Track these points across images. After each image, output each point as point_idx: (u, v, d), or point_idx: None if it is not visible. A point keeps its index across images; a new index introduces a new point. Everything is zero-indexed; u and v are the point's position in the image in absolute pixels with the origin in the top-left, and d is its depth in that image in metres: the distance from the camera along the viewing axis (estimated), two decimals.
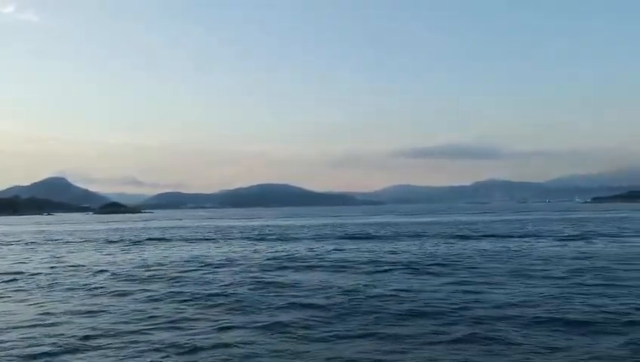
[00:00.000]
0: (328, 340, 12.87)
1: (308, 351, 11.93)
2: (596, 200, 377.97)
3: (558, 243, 39.24)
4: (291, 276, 23.79)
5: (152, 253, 37.21)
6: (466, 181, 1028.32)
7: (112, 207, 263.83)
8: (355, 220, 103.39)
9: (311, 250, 36.94)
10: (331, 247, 39.04)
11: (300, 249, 38.01)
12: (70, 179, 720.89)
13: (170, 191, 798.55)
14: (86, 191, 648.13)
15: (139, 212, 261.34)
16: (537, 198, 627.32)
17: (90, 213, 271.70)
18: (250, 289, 19.92)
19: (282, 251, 36.45)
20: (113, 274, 25.52)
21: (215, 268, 27.43)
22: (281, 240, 49.33)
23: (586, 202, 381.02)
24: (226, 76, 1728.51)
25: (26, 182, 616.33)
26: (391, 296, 18.36)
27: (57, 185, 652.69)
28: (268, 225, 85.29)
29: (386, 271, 25.09)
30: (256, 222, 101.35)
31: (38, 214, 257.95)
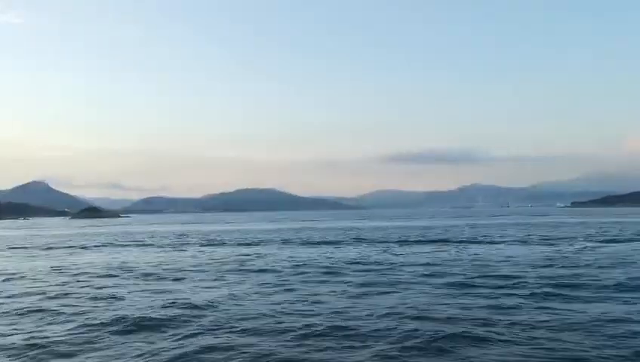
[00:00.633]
0: (187, 337, 13.32)
1: (159, 351, 12.19)
2: (574, 204, 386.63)
3: (489, 247, 40.12)
4: (206, 280, 24.10)
5: (83, 258, 37.32)
6: (453, 186, 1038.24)
7: (89, 212, 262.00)
8: (323, 225, 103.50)
9: (245, 255, 37.09)
10: (270, 252, 39.37)
11: (234, 253, 38.30)
12: (53, 184, 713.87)
13: (154, 195, 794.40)
14: (67, 195, 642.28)
15: (117, 216, 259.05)
16: (521, 203, 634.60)
17: (68, 217, 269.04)
18: (140, 295, 20.04)
19: (217, 255, 36.94)
20: (28, 279, 25.86)
21: (130, 272, 27.60)
22: (230, 244, 49.63)
23: (565, 207, 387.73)
24: (214, 79, 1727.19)
25: (8, 186, 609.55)
26: (279, 296, 19.00)
27: (39, 189, 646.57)
28: (230, 230, 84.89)
29: (300, 274, 25.53)
30: (221, 227, 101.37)
31: (16, 219, 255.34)
